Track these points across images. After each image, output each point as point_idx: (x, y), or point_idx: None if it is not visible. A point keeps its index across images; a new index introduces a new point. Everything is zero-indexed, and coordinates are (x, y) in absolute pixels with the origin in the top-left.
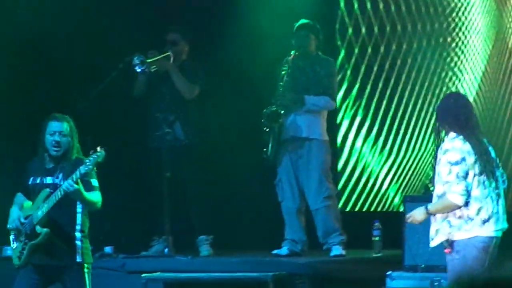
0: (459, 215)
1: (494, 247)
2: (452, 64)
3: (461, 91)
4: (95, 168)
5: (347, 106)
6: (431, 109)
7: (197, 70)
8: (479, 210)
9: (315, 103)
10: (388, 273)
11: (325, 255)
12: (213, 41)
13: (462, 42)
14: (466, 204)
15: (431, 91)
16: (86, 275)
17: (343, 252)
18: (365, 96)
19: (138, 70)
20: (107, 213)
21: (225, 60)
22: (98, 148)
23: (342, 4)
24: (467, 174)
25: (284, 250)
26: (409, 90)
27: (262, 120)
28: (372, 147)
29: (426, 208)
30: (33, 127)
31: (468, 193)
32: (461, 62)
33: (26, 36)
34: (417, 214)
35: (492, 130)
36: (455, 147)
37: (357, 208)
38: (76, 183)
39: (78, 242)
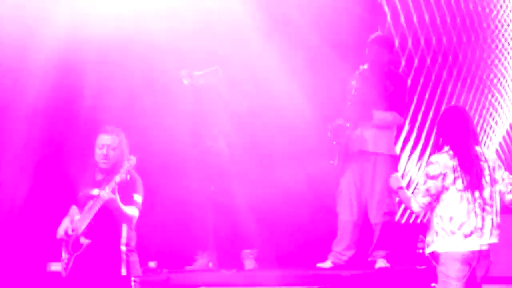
0: (442, 227)
1: (482, 260)
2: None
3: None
4: (140, 183)
5: None
6: None
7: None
8: (461, 225)
9: (383, 118)
10: (432, 285)
11: (369, 267)
12: None
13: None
14: (450, 218)
15: None
16: None
17: (388, 265)
18: None
19: (185, 82)
20: (152, 228)
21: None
22: (131, 156)
23: None
24: (438, 190)
25: (328, 263)
26: None
27: (328, 134)
28: None
29: (402, 187)
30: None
31: (427, 208)
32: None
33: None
34: (393, 181)
35: None
36: (439, 162)
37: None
38: (113, 192)
39: (123, 255)
